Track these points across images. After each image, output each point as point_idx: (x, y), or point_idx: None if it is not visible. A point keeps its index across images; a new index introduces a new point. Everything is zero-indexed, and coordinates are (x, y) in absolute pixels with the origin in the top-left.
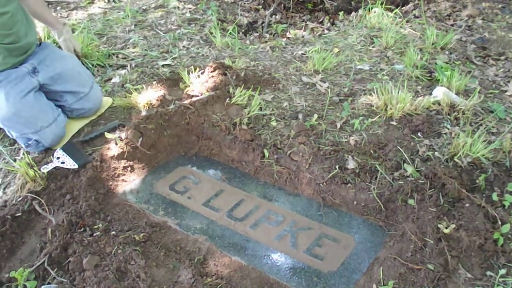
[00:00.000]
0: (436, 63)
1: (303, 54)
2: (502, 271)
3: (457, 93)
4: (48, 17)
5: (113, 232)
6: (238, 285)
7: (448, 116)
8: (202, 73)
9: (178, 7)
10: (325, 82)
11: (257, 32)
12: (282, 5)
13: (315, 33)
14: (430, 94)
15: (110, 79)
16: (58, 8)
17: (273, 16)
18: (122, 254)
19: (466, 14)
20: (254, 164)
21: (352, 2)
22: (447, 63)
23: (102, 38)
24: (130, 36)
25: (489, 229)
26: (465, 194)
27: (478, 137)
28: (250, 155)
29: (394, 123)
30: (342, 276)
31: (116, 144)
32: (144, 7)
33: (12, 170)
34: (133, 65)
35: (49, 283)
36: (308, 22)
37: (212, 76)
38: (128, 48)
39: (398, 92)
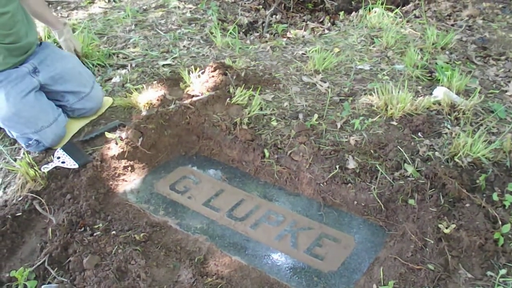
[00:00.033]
0: (436, 63)
1: (304, 54)
2: (503, 271)
3: (458, 93)
4: (49, 17)
5: (114, 232)
6: (239, 285)
7: (449, 116)
8: (203, 73)
9: (179, 7)
10: (325, 82)
11: (257, 32)
12: (283, 5)
13: (315, 33)
14: (431, 94)
15: (111, 78)
16: (59, 8)
17: (274, 16)
18: (123, 253)
19: (466, 14)
20: (255, 164)
21: (353, 2)
22: (447, 63)
23: (102, 38)
24: (131, 36)
25: (489, 229)
26: (466, 194)
27: (479, 137)
28: (250, 155)
29: (394, 123)
30: (343, 276)
31: (117, 143)
32: (144, 7)
33: (13, 170)
34: (133, 65)
35: (49, 283)
36: (308, 22)
37: (213, 76)
38: (129, 48)
39: (399, 92)
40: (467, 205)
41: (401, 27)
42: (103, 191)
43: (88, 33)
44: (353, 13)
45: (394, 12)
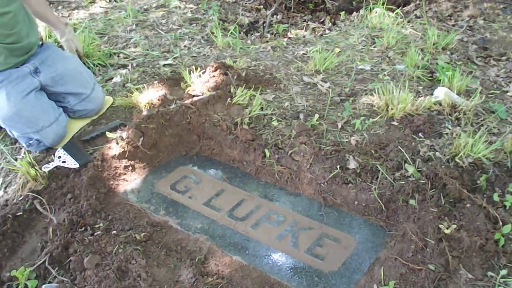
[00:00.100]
0: (437, 64)
1: (304, 54)
2: (503, 272)
3: (458, 94)
4: (50, 17)
5: (114, 232)
6: (239, 284)
7: (449, 117)
8: (203, 72)
9: (179, 7)
10: (326, 82)
11: (258, 32)
12: (283, 5)
13: (316, 33)
14: (431, 94)
15: (111, 78)
16: (60, 7)
17: (274, 16)
18: (123, 253)
19: (467, 14)
20: (255, 164)
21: (353, 2)
22: (448, 64)
23: (103, 38)
24: (131, 36)
25: (490, 229)
26: (466, 194)
27: (479, 137)
28: (251, 155)
29: (395, 123)
30: (343, 276)
31: (117, 143)
32: (145, 7)
33: (13, 169)
34: (134, 65)
35: (50, 282)
36: (309, 22)
37: (213, 76)
38: (129, 47)
39: (399, 92)
40: (468, 205)
41: (402, 27)
42: (103, 191)
43: (89, 32)
44: (354, 13)
45: (395, 12)
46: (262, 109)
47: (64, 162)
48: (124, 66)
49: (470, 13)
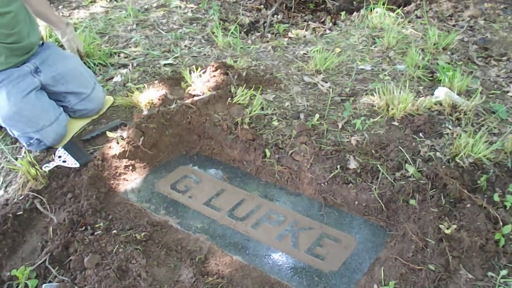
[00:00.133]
0: (438, 64)
1: (305, 54)
2: (503, 272)
3: (459, 94)
4: (51, 17)
5: (114, 231)
6: (239, 284)
7: (450, 117)
8: (204, 72)
9: (180, 7)
10: (326, 82)
11: (259, 32)
12: (284, 5)
13: (317, 33)
14: (432, 94)
15: (112, 78)
16: (60, 7)
17: (275, 16)
18: (123, 253)
19: (468, 14)
20: (256, 164)
21: (354, 2)
22: (449, 64)
23: (104, 37)
24: (132, 35)
25: (490, 229)
26: (467, 194)
27: (480, 137)
28: (251, 155)
29: (395, 123)
30: (343, 276)
31: (118, 143)
32: (146, 6)
33: (14, 169)
34: (134, 64)
35: (50, 282)
36: (310, 22)
37: (214, 76)
38: (130, 47)
39: (400, 92)
40: (468, 205)
41: (403, 27)
42: (104, 190)
43: (90, 32)
44: (355, 13)
45: (396, 12)
46: (262, 109)
47: (64, 161)
48: (125, 66)
49: (471, 13)
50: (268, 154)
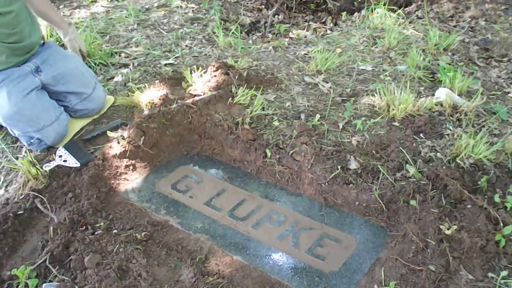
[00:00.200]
0: (438, 64)
1: (306, 54)
2: (504, 273)
3: (460, 94)
4: (53, 17)
5: (115, 231)
6: (240, 284)
7: (451, 117)
8: (205, 72)
9: (181, 6)
10: (327, 83)
11: (259, 32)
12: (285, 5)
13: (317, 33)
14: (433, 95)
15: (113, 77)
16: (61, 6)
17: (276, 16)
18: (124, 252)
19: (469, 15)
20: (256, 164)
21: (355, 3)
22: (449, 64)
23: (105, 37)
24: (133, 35)
25: (491, 230)
26: (467, 195)
27: (481, 138)
28: (252, 155)
29: (396, 124)
30: (344, 277)
31: (118, 142)
32: (147, 6)
33: (14, 168)
34: (135, 64)
35: (50, 281)
36: (310, 22)
37: (215, 76)
38: (131, 47)
39: (401, 93)
40: (469, 206)
41: (404, 28)
42: (104, 190)
43: (91, 32)
44: (356, 13)
45: (397, 13)
46: (263, 109)
47: (65, 161)
48: (126, 66)
49: (472, 14)
50: (268, 154)
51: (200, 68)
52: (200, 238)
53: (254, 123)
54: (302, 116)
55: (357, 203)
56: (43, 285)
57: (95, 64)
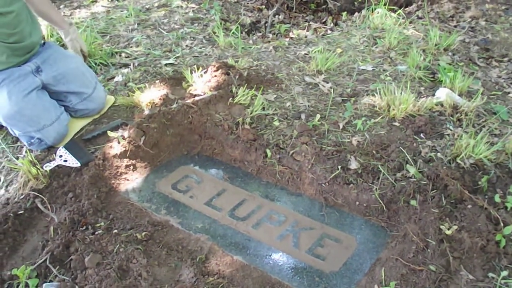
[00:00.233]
0: (439, 64)
1: (306, 54)
2: (504, 273)
3: (460, 95)
4: (54, 17)
5: (115, 231)
6: (240, 284)
7: (451, 117)
8: (205, 72)
9: (181, 6)
10: (328, 83)
11: (260, 32)
12: (285, 5)
13: (318, 33)
14: (433, 95)
15: (113, 77)
16: (61, 6)
17: (276, 16)
18: (124, 252)
19: (469, 15)
20: (257, 164)
21: (355, 3)
22: (450, 64)
23: (105, 37)
24: (133, 35)
25: (491, 230)
26: (468, 195)
27: (481, 138)
28: (252, 155)
29: (396, 124)
30: (344, 277)
31: (119, 142)
32: (147, 6)
33: (15, 168)
34: (136, 64)
35: (51, 281)
36: (311, 22)
37: (215, 76)
38: (131, 47)
39: (401, 93)
40: (469, 206)
41: (404, 28)
42: (105, 190)
43: (91, 32)
44: (356, 13)
45: (397, 13)
46: (263, 109)
47: (65, 161)
48: (126, 65)
49: (472, 14)
50: (269, 154)
51: (201, 68)
52: (201, 238)
53: (255, 123)
54: (303, 116)
55: (357, 203)
56: (44, 285)
57: (95, 64)
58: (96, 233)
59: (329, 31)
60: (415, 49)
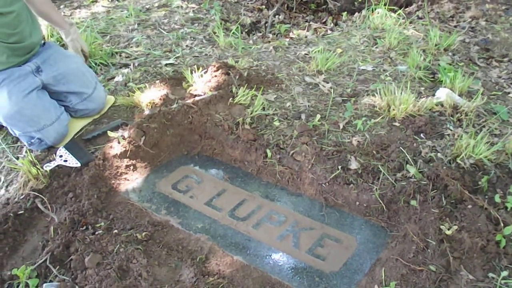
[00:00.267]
0: (439, 64)
1: (306, 54)
2: (504, 273)
3: (460, 95)
4: (55, 17)
5: (115, 231)
6: (240, 284)
7: (451, 118)
8: (205, 72)
9: (182, 7)
10: (328, 83)
11: (260, 32)
12: (286, 5)
13: (318, 33)
14: (433, 95)
15: (113, 77)
16: (62, 6)
17: (277, 16)
18: (124, 252)
19: (469, 15)
20: (257, 164)
21: (355, 3)
22: (450, 65)
23: (105, 37)
24: (134, 35)
25: (491, 230)
26: (468, 195)
27: (481, 138)
28: (252, 155)
29: (397, 124)
30: (344, 277)
31: (119, 142)
32: (147, 6)
33: (15, 168)
34: (136, 64)
35: (51, 281)
36: (311, 23)
37: (215, 76)
38: (131, 47)
39: (401, 93)
40: (469, 206)
41: (404, 28)
42: (105, 190)
43: (91, 32)
44: (356, 13)
45: (397, 13)
46: (263, 109)
47: (65, 161)
48: (126, 66)
49: (472, 14)
50: (269, 154)
51: (201, 68)
52: (201, 238)
53: (255, 123)
54: (303, 116)
55: (357, 203)
56: (44, 285)
57: (95, 64)
58: (96, 233)
59: (329, 31)
60: (415, 49)
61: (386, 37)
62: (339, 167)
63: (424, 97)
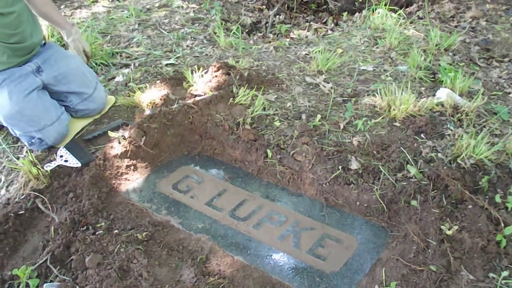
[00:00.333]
0: (439, 65)
1: (307, 54)
2: (505, 273)
3: (461, 95)
4: (56, 17)
5: (116, 231)
6: (241, 284)
7: (452, 118)
8: (206, 72)
9: (182, 7)
10: (328, 83)
11: (260, 32)
12: (286, 5)
13: (318, 33)
14: (434, 95)
15: (114, 78)
16: (62, 6)
17: (277, 16)
18: (125, 252)
19: (470, 15)
20: (257, 164)
21: (356, 3)
22: (450, 65)
23: (106, 37)
24: (134, 35)
25: (491, 231)
26: (468, 195)
27: (482, 138)
28: (253, 155)
29: (397, 124)
30: (345, 277)
31: (120, 143)
32: (148, 6)
33: (15, 168)
34: (136, 64)
35: (51, 281)
36: (311, 23)
37: (216, 76)
38: (132, 47)
39: (402, 93)
40: (470, 206)
41: (405, 28)
42: (105, 190)
43: (92, 32)
44: (357, 14)
45: (398, 13)
46: (264, 109)
47: (66, 161)
48: (127, 66)
49: (473, 14)
50: (269, 154)
51: (201, 68)
52: (201, 238)
53: (255, 123)
54: (303, 116)
55: (358, 203)
56: (44, 285)
57: (96, 64)
58: (97, 233)
59: (329, 32)
60: (416, 49)
61: (386, 37)
62: (340, 167)
63: (424, 97)
